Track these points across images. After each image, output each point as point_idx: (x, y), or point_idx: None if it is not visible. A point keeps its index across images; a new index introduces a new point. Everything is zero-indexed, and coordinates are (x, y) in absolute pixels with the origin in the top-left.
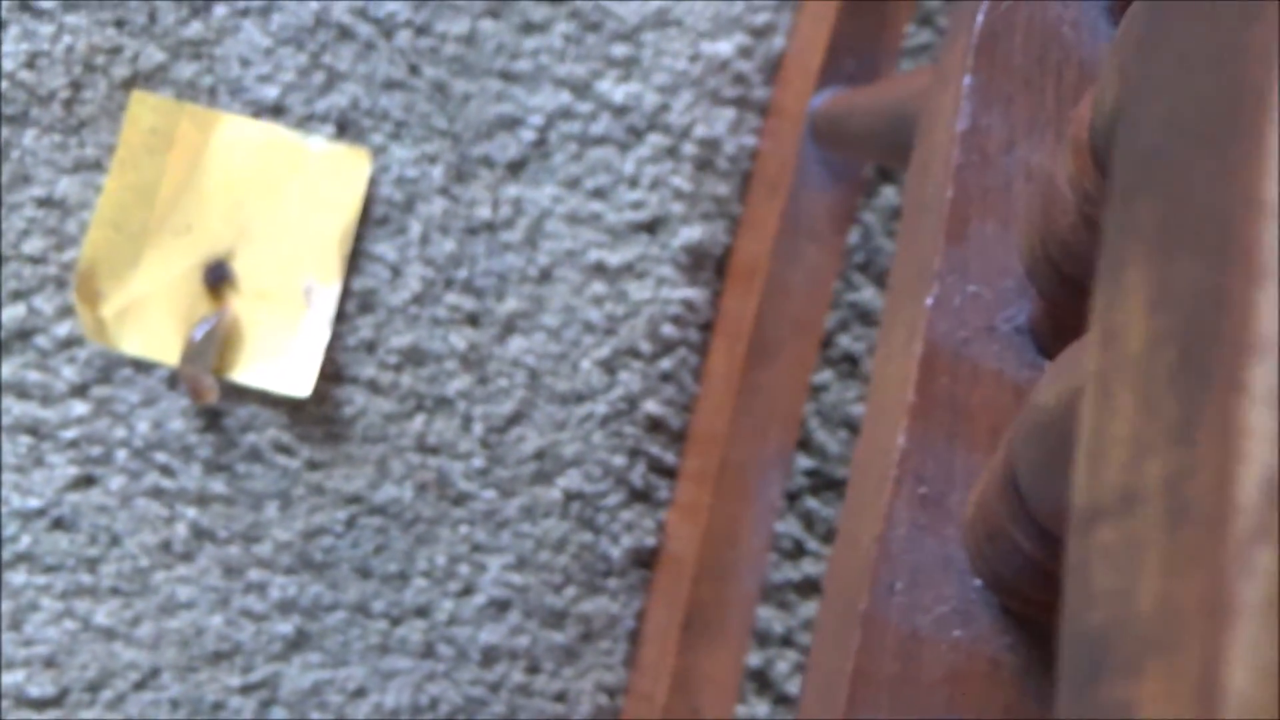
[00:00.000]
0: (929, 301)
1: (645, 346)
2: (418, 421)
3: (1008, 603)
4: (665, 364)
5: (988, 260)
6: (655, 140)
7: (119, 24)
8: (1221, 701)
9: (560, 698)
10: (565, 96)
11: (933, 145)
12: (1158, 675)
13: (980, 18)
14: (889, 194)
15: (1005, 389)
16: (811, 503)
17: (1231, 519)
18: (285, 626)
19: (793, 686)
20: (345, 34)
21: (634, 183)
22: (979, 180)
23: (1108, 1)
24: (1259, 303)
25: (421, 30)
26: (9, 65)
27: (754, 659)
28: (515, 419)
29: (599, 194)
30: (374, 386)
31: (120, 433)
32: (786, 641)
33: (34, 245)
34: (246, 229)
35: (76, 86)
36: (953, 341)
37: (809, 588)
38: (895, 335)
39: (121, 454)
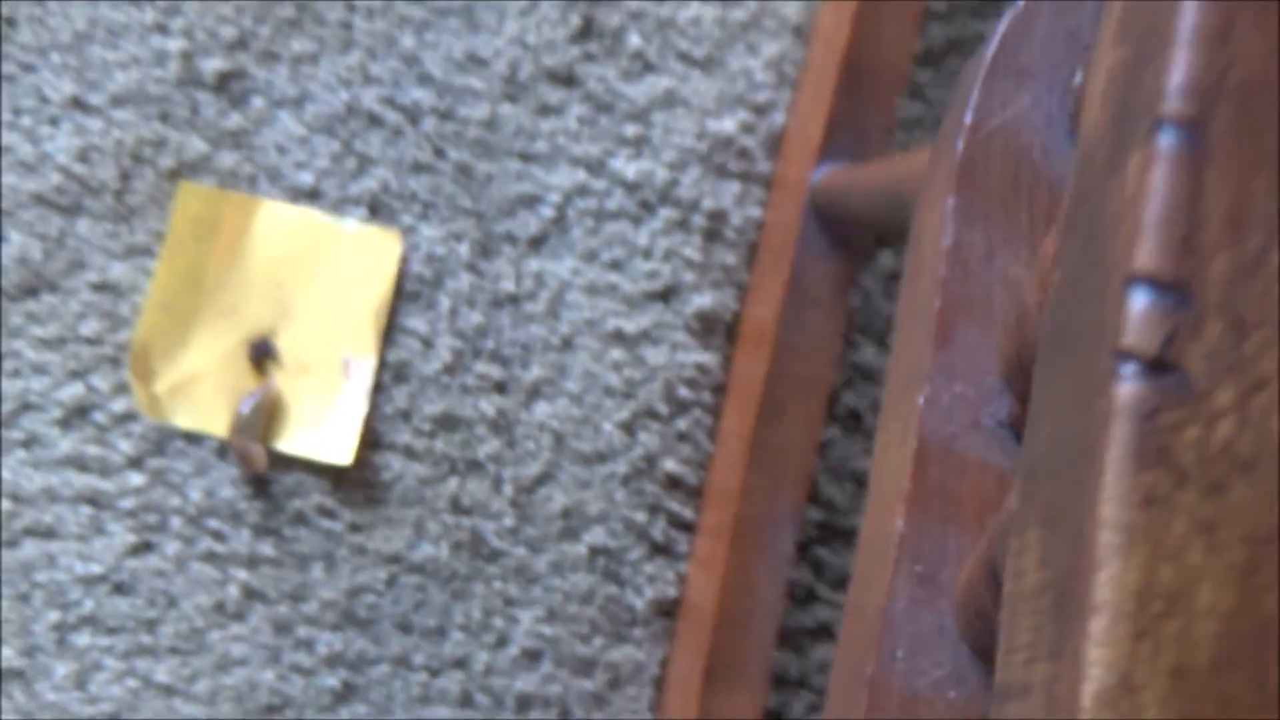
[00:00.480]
0: (920, 400)
1: (662, 408)
2: (451, 484)
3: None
4: (681, 424)
5: (971, 362)
6: (666, 214)
7: (164, 118)
8: None
9: None
10: (581, 175)
11: (921, 259)
12: None
13: (960, 144)
14: (887, 260)
15: (990, 477)
16: (822, 552)
17: (1079, 715)
18: (332, 680)
19: None
20: (374, 121)
21: (648, 254)
22: (963, 291)
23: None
24: (1099, 579)
25: (445, 116)
26: (62, 159)
27: (770, 701)
28: (542, 479)
29: (615, 266)
30: (410, 452)
31: (175, 501)
32: (801, 684)
33: (90, 327)
34: (287, 307)
35: (126, 178)
36: (942, 436)
37: (821, 632)
38: (892, 430)
39: (176, 521)
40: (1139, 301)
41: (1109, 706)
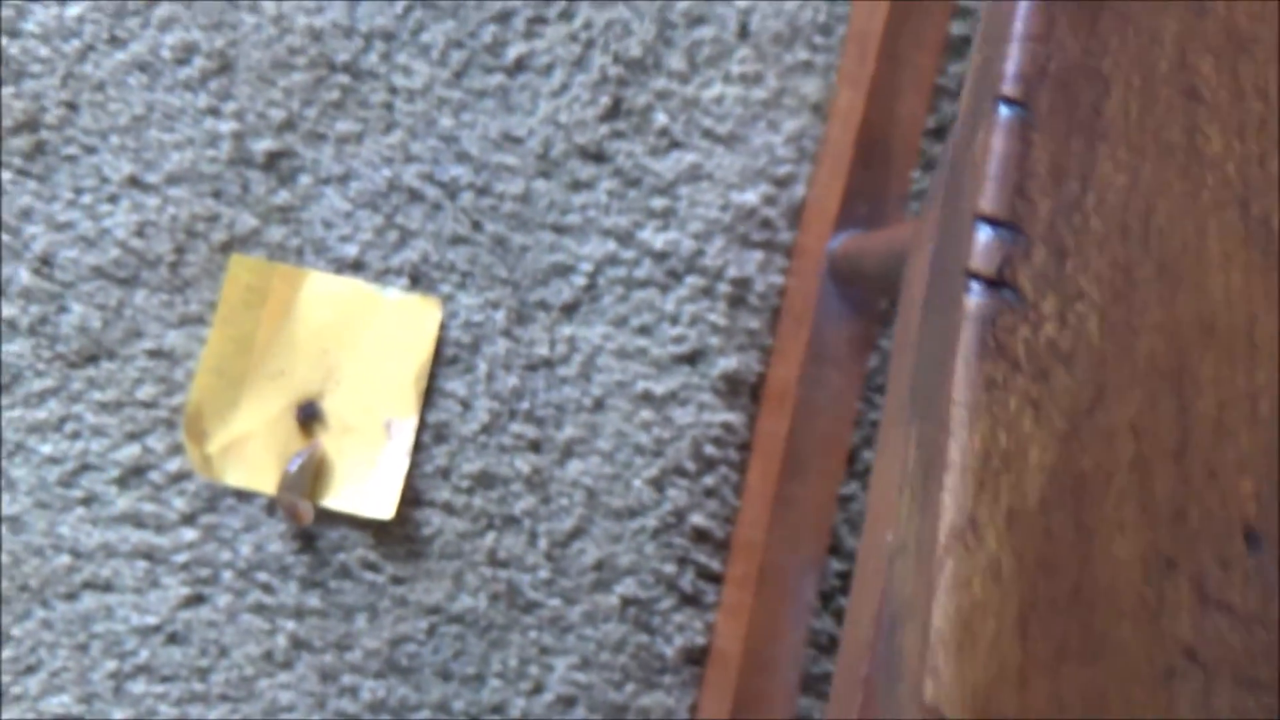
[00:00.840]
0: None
1: (690, 465)
2: (489, 538)
3: None
4: (708, 481)
5: None
6: (692, 281)
7: (216, 195)
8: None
9: None
10: (611, 245)
11: (910, 303)
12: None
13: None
14: None
15: None
16: (843, 601)
17: (936, 549)
18: None
19: None
20: (415, 196)
21: (675, 320)
22: None
23: None
24: (951, 445)
25: (482, 191)
26: (121, 234)
27: None
28: (576, 534)
29: (644, 331)
30: (449, 508)
31: (226, 555)
32: None
33: (146, 391)
34: (333, 372)
35: (180, 251)
36: None
37: None
38: (886, 456)
39: (227, 574)
40: (983, 235)
41: (959, 540)
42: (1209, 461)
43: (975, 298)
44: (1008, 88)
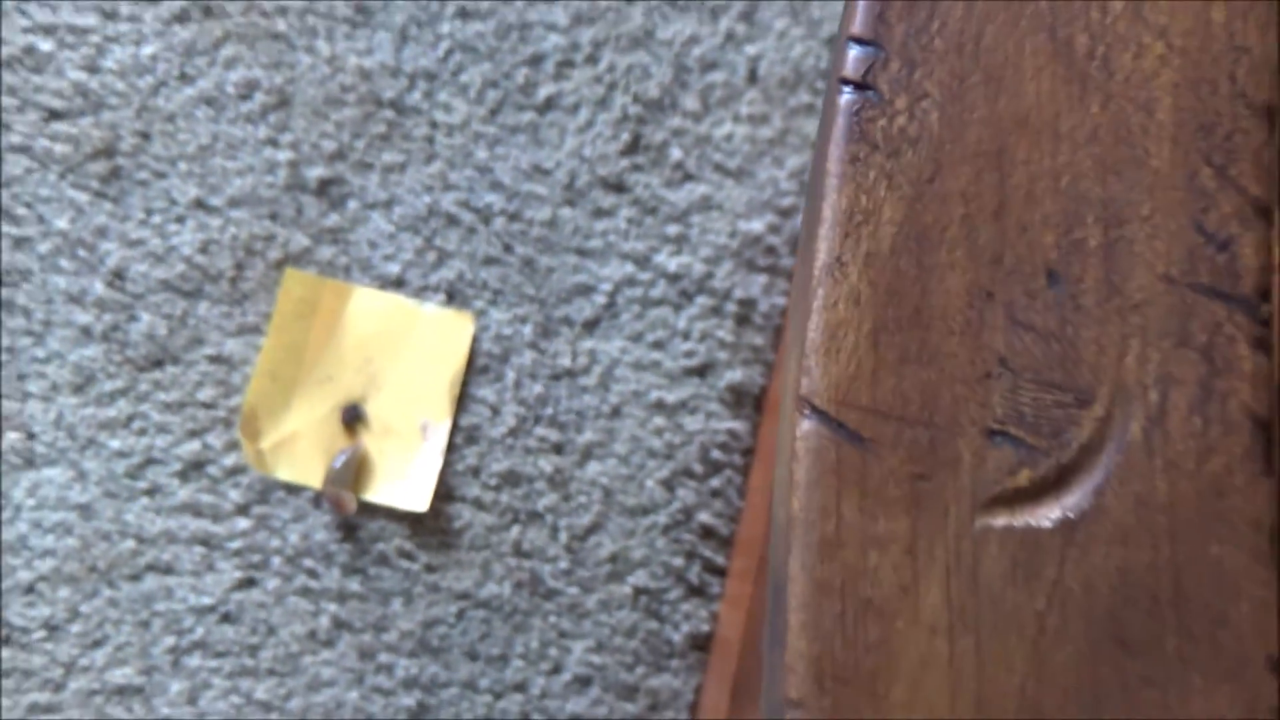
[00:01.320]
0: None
1: (698, 468)
2: (514, 532)
3: None
4: (715, 482)
5: None
6: (703, 301)
7: (273, 217)
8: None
9: None
10: (629, 267)
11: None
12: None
13: None
14: None
15: None
16: None
17: (812, 282)
18: (409, 700)
19: None
20: (452, 221)
21: (686, 336)
22: None
23: None
24: (824, 207)
25: (513, 217)
26: (186, 250)
27: None
28: (593, 529)
29: (658, 345)
30: (478, 503)
31: (275, 543)
32: None
33: (206, 393)
34: (375, 378)
35: (240, 267)
36: None
37: None
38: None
39: (276, 560)
40: (852, 51)
41: (828, 274)
42: (1021, 219)
43: (845, 97)
44: None
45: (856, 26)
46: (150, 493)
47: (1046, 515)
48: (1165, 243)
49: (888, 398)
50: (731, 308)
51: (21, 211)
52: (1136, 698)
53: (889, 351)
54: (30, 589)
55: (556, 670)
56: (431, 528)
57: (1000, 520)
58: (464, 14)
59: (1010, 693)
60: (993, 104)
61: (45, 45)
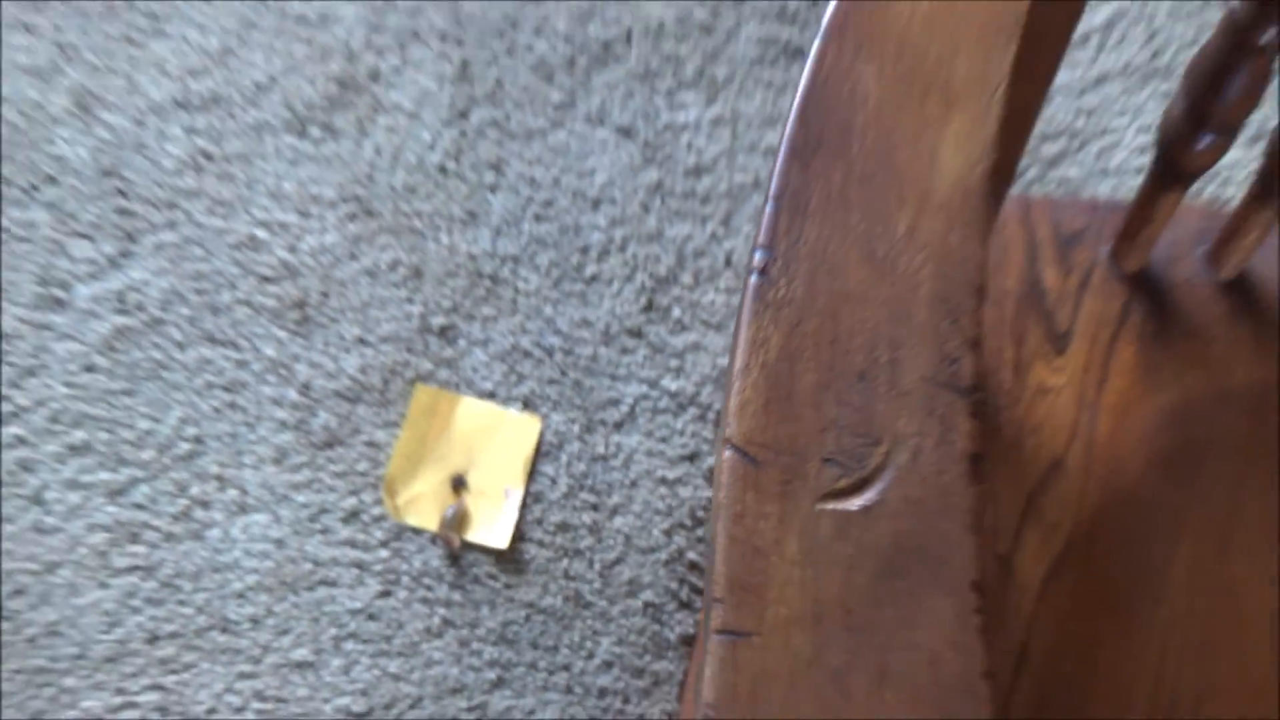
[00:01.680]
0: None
1: (688, 522)
2: (564, 563)
3: None
4: (699, 532)
5: None
6: (693, 411)
7: (409, 349)
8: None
9: (640, 719)
10: (644, 388)
11: None
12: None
13: None
14: None
15: None
16: None
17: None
18: (491, 674)
19: None
20: (528, 355)
21: (682, 433)
22: None
23: None
24: (740, 338)
25: (568, 353)
26: (351, 370)
27: None
28: (617, 561)
29: (663, 440)
30: (540, 543)
31: (405, 567)
32: None
33: (361, 466)
34: (474, 458)
35: (386, 382)
36: None
37: None
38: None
39: (405, 579)
40: (758, 253)
41: (742, 373)
42: (845, 346)
43: (754, 278)
44: (771, 200)
45: (761, 238)
46: (323, 532)
47: (854, 504)
48: (923, 360)
49: (772, 438)
50: (712, 415)
51: (243, 343)
52: (893, 603)
53: (774, 414)
54: (240, 595)
55: (590, 657)
56: (509, 559)
57: (829, 505)
58: (538, 217)
59: (833, 599)
60: (830, 284)
61: (261, 234)
